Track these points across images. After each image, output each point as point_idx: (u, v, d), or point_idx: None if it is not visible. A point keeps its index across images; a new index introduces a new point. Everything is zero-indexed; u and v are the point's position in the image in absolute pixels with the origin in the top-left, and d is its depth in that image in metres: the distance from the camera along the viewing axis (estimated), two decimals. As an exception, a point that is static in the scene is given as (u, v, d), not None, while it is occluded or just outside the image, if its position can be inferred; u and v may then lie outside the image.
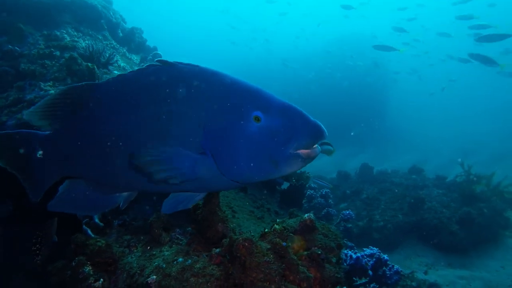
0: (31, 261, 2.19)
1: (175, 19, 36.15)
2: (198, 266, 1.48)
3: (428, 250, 5.49)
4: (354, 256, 2.06)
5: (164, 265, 1.56)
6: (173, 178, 1.15)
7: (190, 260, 1.54)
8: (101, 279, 1.64)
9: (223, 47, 26.86)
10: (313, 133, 1.14)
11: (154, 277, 1.47)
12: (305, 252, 1.44)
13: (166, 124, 1.18)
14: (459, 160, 7.18)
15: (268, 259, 1.28)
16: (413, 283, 4.15)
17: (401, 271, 2.23)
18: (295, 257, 1.34)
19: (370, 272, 2.09)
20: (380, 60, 15.89)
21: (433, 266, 4.98)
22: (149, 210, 2.62)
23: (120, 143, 1.23)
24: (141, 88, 1.22)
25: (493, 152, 12.38)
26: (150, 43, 5.64)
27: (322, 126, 1.15)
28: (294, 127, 1.13)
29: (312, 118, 1.16)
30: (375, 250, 2.15)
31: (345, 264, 2.06)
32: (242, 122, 1.14)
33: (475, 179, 6.58)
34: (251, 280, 1.25)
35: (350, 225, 3.75)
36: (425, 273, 4.65)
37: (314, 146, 1.15)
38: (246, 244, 1.30)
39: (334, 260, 1.57)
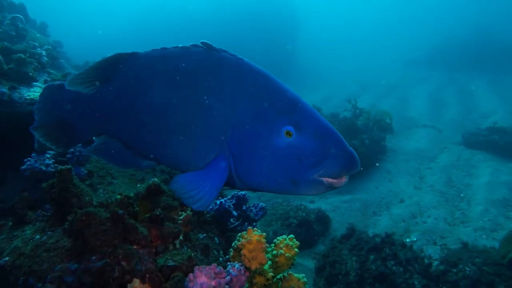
0: None
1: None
2: (51, 241, 1.62)
3: (321, 182, 6.23)
4: (218, 202, 2.35)
5: (20, 245, 1.67)
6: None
7: (45, 237, 1.66)
8: (-41, 268, 1.70)
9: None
10: (345, 165, 1.06)
11: (7, 258, 1.58)
12: (148, 215, 1.64)
13: (197, 113, 1.13)
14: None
15: (105, 227, 1.46)
16: (303, 213, 4.78)
17: (265, 206, 2.60)
18: (133, 221, 1.54)
19: (235, 213, 2.41)
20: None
21: (325, 196, 5.72)
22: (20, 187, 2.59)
23: (150, 117, 1.21)
24: (178, 69, 1.17)
25: (388, 83, 13.75)
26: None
27: (357, 157, 1.08)
28: (325, 153, 1.06)
29: (348, 147, 1.08)
30: (235, 192, 2.49)
31: (211, 211, 2.35)
32: (271, 134, 1.07)
33: (359, 112, 7.41)
34: (90, 248, 1.43)
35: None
36: (311, 202, 5.35)
37: (343, 177, 1.07)
38: (84, 217, 1.46)
39: (178, 216, 1.82)
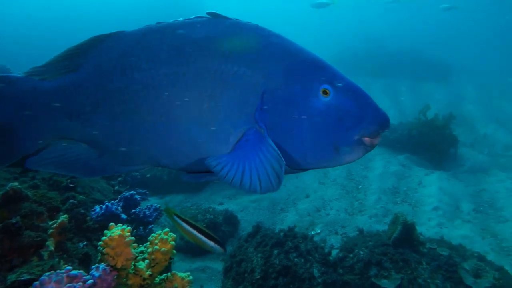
0: None
1: None
2: None
3: (232, 183, 6.25)
4: (103, 206, 2.16)
5: None
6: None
7: None
8: None
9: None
10: (382, 121, 1.04)
11: None
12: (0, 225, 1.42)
13: (214, 85, 0.97)
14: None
15: None
16: (211, 216, 4.72)
17: (159, 207, 2.49)
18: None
19: (124, 216, 2.25)
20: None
21: (234, 197, 5.74)
22: None
23: (145, 102, 0.99)
24: (185, 38, 0.99)
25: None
26: None
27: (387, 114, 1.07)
28: (363, 111, 1.02)
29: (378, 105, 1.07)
30: (123, 194, 2.33)
31: (96, 216, 2.15)
32: (308, 96, 0.98)
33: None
34: None
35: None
36: (220, 204, 5.33)
37: (378, 136, 1.04)
38: None
39: (48, 224, 1.62)
